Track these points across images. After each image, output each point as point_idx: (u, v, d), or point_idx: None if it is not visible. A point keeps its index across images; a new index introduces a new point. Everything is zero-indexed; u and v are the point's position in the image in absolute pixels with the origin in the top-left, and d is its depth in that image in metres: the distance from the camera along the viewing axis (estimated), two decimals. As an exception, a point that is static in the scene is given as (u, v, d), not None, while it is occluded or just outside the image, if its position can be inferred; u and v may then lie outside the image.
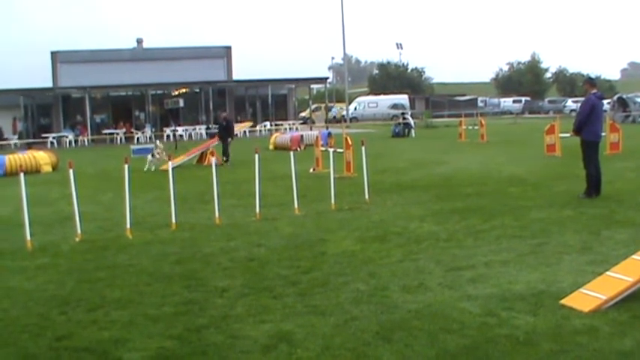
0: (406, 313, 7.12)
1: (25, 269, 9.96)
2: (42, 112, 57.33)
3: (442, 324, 6.73)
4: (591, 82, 15.11)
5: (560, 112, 67.00)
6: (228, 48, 63.51)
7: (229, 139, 27.58)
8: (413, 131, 43.66)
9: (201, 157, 27.06)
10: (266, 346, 6.40)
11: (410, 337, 6.41)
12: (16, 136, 50.60)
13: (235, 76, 61.75)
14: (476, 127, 38.34)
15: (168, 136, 41.11)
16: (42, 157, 27.43)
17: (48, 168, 26.78)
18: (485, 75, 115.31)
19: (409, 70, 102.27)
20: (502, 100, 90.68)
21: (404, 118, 45.72)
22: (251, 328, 6.91)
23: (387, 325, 6.77)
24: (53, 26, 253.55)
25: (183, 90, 56.97)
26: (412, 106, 77.68)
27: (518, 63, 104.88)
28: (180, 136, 46.59)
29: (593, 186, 14.13)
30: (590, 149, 14.22)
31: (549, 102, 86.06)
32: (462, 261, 9.25)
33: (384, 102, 79.25)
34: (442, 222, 12.16)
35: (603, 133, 15.58)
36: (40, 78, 77.09)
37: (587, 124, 14.09)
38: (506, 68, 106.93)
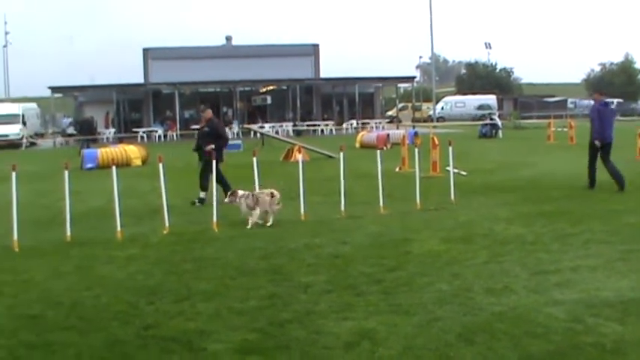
0: (490, 316, 7.05)
1: (115, 259, 10.27)
2: (133, 107, 58.76)
3: (526, 328, 6.64)
4: None
5: (654, 114, 64.95)
6: (316, 46, 63.67)
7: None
8: (500, 132, 43.11)
9: (288, 153, 27.30)
10: (348, 343, 6.43)
11: (493, 340, 6.35)
12: (109, 130, 51.77)
13: (323, 74, 61.92)
14: (565, 129, 37.57)
15: (255, 133, 41.57)
16: (132, 151, 28.15)
17: (138, 162, 27.43)
18: (576, 76, 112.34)
19: (497, 70, 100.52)
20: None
21: (491, 119, 45.27)
22: (334, 324, 6.95)
23: (469, 327, 6.72)
24: (146, 24, 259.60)
25: (271, 87, 57.52)
26: (500, 107, 76.46)
27: (611, 64, 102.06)
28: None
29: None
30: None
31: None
32: (548, 265, 9.10)
33: (472, 102, 78.19)
34: (529, 225, 11.97)
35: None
36: (133, 74, 78.94)
37: None
38: (597, 69, 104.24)
